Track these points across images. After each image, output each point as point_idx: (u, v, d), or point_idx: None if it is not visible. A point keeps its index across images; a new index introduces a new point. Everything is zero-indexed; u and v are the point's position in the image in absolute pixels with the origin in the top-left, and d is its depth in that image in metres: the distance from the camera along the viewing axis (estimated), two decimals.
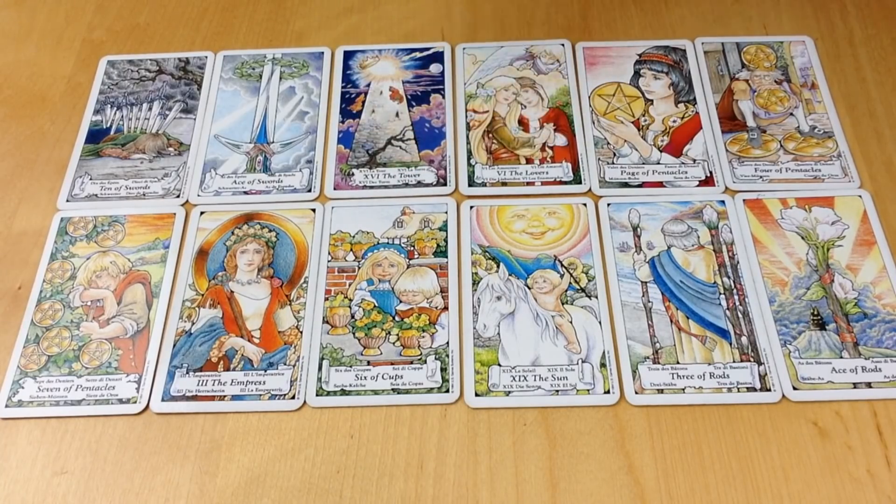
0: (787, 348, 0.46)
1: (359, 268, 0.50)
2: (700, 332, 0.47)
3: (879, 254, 0.50)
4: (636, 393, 0.45)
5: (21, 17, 0.65)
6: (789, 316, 0.47)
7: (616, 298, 0.48)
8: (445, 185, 0.54)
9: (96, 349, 0.48)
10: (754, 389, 0.45)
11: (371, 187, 0.54)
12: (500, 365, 0.46)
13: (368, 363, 0.47)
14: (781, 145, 0.55)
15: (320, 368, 0.46)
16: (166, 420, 0.45)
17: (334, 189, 0.54)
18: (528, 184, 0.54)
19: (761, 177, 0.53)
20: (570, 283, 0.49)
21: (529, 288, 0.49)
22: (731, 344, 0.47)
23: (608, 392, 0.45)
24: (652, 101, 0.57)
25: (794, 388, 0.45)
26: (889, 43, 0.60)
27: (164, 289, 0.50)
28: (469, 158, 0.55)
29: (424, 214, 0.52)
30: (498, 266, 0.50)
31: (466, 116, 0.57)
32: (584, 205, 0.52)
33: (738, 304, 0.48)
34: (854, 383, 0.45)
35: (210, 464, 0.44)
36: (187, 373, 0.46)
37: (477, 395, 0.45)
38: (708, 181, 0.53)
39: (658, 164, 0.54)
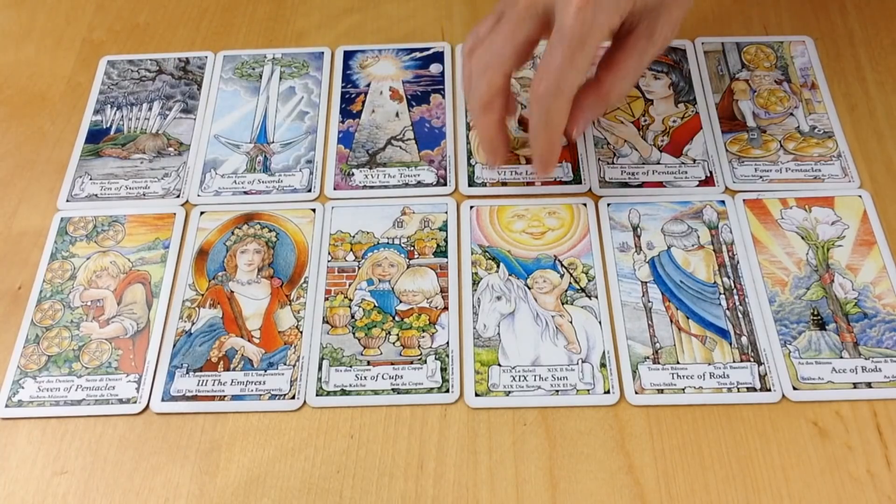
0: (787, 348, 0.46)
1: (359, 268, 0.50)
2: (700, 332, 0.47)
3: (879, 254, 0.50)
4: (636, 393, 0.45)
5: (21, 17, 0.65)
6: (789, 316, 0.47)
7: (616, 298, 0.48)
8: (445, 185, 0.54)
9: (96, 349, 0.48)
10: (754, 389, 0.45)
11: (371, 187, 0.54)
12: (500, 365, 0.46)
13: (368, 363, 0.47)
14: (781, 145, 0.55)
15: (320, 368, 0.46)
16: (166, 420, 0.45)
17: (334, 189, 0.54)
18: (528, 184, 0.54)
19: (761, 177, 0.53)
20: (570, 283, 0.49)
21: (529, 288, 0.49)
22: (731, 344, 0.47)
23: (608, 392, 0.45)
24: (652, 101, 0.57)
25: (794, 388, 0.45)
26: (889, 43, 0.60)
27: (164, 289, 0.50)
28: (469, 158, 0.55)
29: (424, 214, 0.52)
30: (498, 266, 0.50)
31: (466, 116, 0.57)
32: (584, 205, 0.52)
33: (738, 304, 0.48)
34: (854, 383, 0.45)
35: (210, 464, 0.44)
36: (187, 373, 0.46)
37: (477, 395, 0.45)
38: (708, 181, 0.53)
39: (658, 164, 0.54)
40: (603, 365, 0.46)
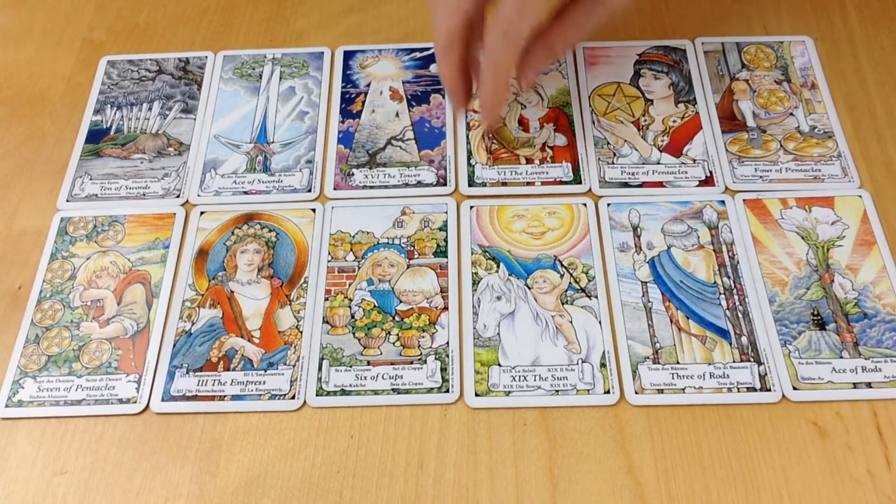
0: (787, 348, 0.46)
1: (359, 268, 0.50)
2: (700, 332, 0.47)
3: (879, 254, 0.50)
4: (636, 393, 0.45)
5: (21, 17, 0.65)
6: (789, 316, 0.47)
7: (616, 298, 0.48)
8: (445, 185, 0.54)
9: (96, 349, 0.48)
10: (754, 389, 0.45)
11: (371, 187, 0.54)
12: (500, 365, 0.46)
13: (368, 363, 0.47)
14: (781, 145, 0.55)
15: (320, 368, 0.46)
16: (166, 420, 0.45)
17: (334, 189, 0.54)
18: (528, 184, 0.54)
19: (761, 177, 0.53)
20: (570, 283, 0.49)
21: (529, 288, 0.49)
22: (731, 344, 0.47)
23: (608, 392, 0.45)
24: (652, 101, 0.57)
25: (794, 388, 0.45)
26: (889, 43, 0.60)
27: (164, 289, 0.50)
28: (469, 158, 0.55)
29: (424, 214, 0.52)
30: (498, 266, 0.50)
31: (466, 116, 0.57)
32: (584, 205, 0.52)
33: (738, 304, 0.48)
34: (854, 383, 0.45)
35: (210, 464, 0.44)
36: (187, 373, 0.46)
37: (477, 395, 0.45)
38: (708, 181, 0.53)
39: (658, 164, 0.54)
40: (603, 365, 0.46)
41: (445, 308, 0.48)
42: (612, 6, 0.47)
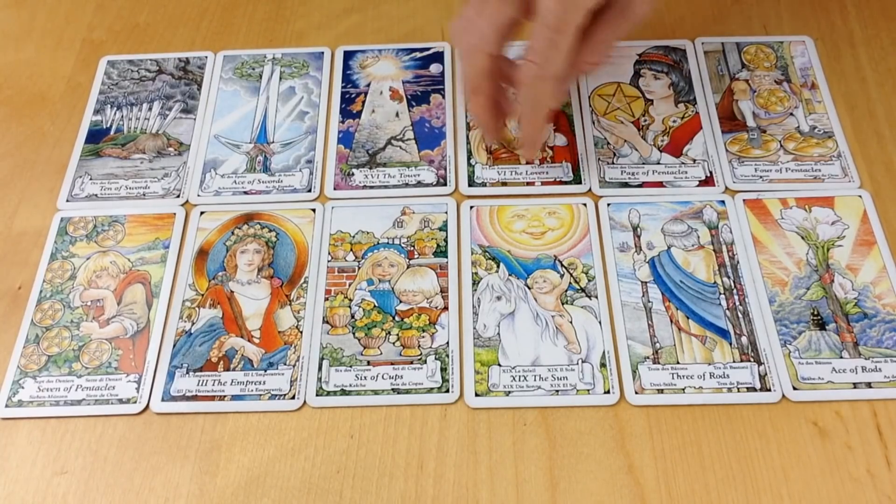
0: (787, 348, 0.46)
1: (359, 268, 0.50)
2: (700, 332, 0.47)
3: (879, 254, 0.50)
4: (636, 393, 0.45)
5: (21, 17, 0.65)
6: (789, 316, 0.47)
7: (616, 298, 0.48)
8: (445, 185, 0.54)
9: (96, 349, 0.48)
10: (754, 389, 0.45)
11: (371, 187, 0.54)
12: (500, 365, 0.46)
13: (368, 363, 0.47)
14: (781, 145, 0.55)
15: (320, 368, 0.46)
16: (166, 420, 0.45)
17: (334, 189, 0.54)
18: (528, 184, 0.54)
19: (761, 177, 0.53)
20: (570, 283, 0.49)
21: (529, 288, 0.49)
22: (731, 344, 0.47)
23: (608, 392, 0.45)
24: (652, 101, 0.57)
25: (794, 388, 0.45)
26: (889, 43, 0.60)
27: (164, 289, 0.50)
28: (469, 158, 0.55)
29: (424, 214, 0.52)
30: (498, 266, 0.50)
31: (466, 116, 0.57)
32: (584, 205, 0.52)
33: (738, 304, 0.48)
34: (854, 383, 0.45)
35: (210, 464, 0.44)
36: (187, 373, 0.46)
37: (477, 395, 0.45)
38: (708, 181, 0.53)
39: (658, 164, 0.54)
40: (603, 365, 0.46)
41: (445, 308, 0.48)
42: (635, 18, 0.46)
